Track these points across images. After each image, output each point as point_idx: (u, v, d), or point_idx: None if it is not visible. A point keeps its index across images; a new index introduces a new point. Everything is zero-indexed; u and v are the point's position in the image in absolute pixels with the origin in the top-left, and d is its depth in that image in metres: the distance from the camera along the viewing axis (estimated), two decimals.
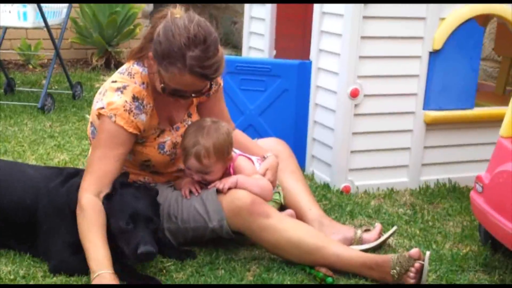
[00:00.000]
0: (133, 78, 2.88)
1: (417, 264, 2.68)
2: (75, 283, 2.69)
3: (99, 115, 2.82)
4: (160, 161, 3.03)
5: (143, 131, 2.88)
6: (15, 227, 2.90)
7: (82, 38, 7.27)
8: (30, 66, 7.19)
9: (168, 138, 3.01)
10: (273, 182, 3.08)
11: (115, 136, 2.79)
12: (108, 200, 2.74)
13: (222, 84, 3.18)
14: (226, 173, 3.02)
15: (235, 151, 3.11)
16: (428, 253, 2.71)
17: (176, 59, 2.68)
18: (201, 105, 3.17)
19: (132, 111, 2.80)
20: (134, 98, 2.82)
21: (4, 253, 2.90)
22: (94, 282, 2.54)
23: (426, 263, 2.68)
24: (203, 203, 2.93)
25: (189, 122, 3.08)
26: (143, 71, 2.90)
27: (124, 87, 2.84)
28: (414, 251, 2.71)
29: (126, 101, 2.80)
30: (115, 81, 2.87)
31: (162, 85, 2.80)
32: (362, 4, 3.60)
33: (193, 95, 2.86)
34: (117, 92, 2.82)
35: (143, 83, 2.88)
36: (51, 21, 5.54)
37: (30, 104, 5.50)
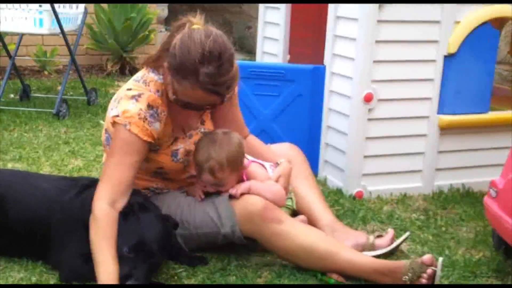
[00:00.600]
0: (148, 86, 2.88)
1: (429, 270, 2.66)
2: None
3: (114, 123, 2.81)
4: (173, 169, 3.02)
5: (157, 139, 2.88)
6: (29, 240, 2.89)
7: (97, 44, 7.30)
8: (46, 72, 7.22)
9: (181, 146, 3.01)
10: (286, 189, 3.07)
11: (129, 144, 2.78)
12: (124, 219, 2.72)
13: (236, 90, 3.17)
14: (239, 180, 3.02)
15: (248, 157, 3.11)
16: (441, 259, 2.69)
17: (189, 74, 2.68)
18: (215, 112, 3.15)
19: (146, 119, 2.79)
20: (149, 106, 2.82)
21: (17, 260, 2.91)
22: None
23: (438, 269, 2.67)
24: (215, 209, 2.92)
25: (202, 129, 3.08)
26: (158, 79, 2.89)
27: (139, 95, 2.83)
28: (427, 257, 2.70)
29: (141, 109, 2.79)
30: (130, 89, 2.87)
31: (175, 96, 2.80)
32: (377, 8, 3.58)
33: (206, 107, 2.86)
34: (132, 100, 2.82)
35: (158, 91, 2.87)
36: (66, 27, 5.56)
37: (45, 110, 5.52)
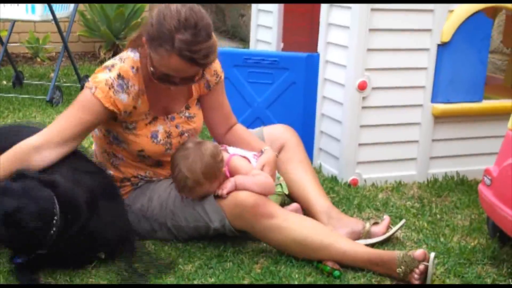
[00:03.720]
0: (124, 62, 2.90)
1: (421, 266, 2.67)
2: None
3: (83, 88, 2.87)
4: (154, 151, 3.00)
5: (123, 112, 2.86)
6: None
7: (90, 31, 7.28)
8: (38, 59, 7.20)
9: (161, 127, 2.99)
10: (273, 176, 3.04)
11: (89, 104, 2.80)
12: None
13: (223, 77, 3.17)
14: (222, 180, 2.96)
15: (229, 151, 3.08)
16: (432, 254, 2.69)
17: (165, 41, 2.68)
18: (201, 99, 3.15)
19: (113, 87, 2.81)
20: (119, 76, 2.84)
21: None
22: None
23: (430, 265, 2.67)
24: (201, 204, 2.91)
25: (186, 114, 3.07)
26: (134, 56, 2.92)
27: (113, 65, 2.87)
28: (419, 252, 2.68)
29: (110, 77, 2.82)
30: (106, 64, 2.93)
31: (152, 68, 2.81)
32: None
33: (184, 81, 2.84)
34: (105, 70, 2.86)
35: (132, 67, 2.89)
36: (59, 14, 5.54)
37: (39, 97, 5.51)
